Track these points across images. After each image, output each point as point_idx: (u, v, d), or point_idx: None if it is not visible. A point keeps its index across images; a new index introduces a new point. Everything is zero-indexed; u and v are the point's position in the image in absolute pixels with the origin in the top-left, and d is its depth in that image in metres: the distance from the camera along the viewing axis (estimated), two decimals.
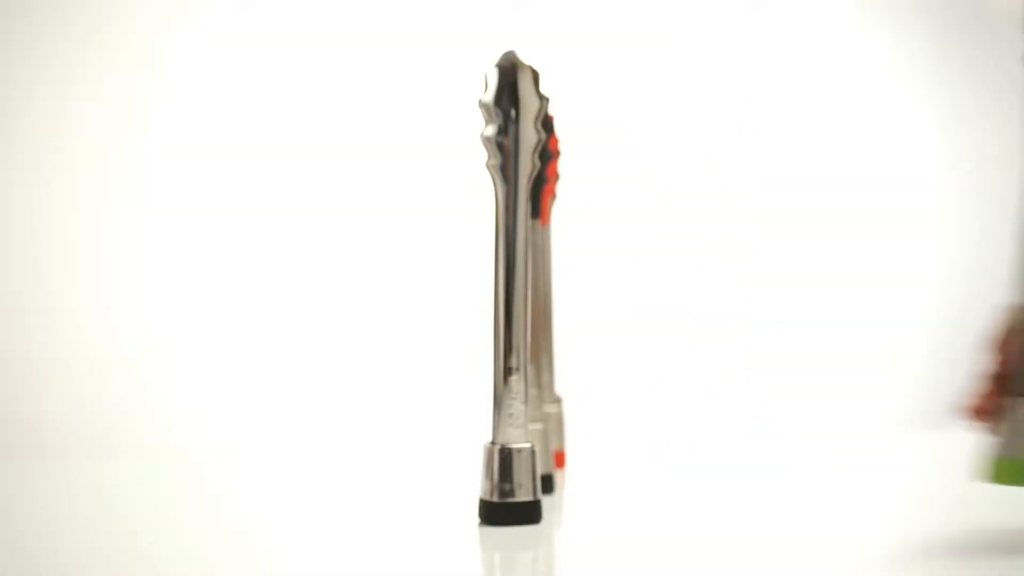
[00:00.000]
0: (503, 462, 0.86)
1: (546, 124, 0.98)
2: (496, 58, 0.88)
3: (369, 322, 2.15)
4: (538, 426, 0.99)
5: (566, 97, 2.03)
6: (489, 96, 0.87)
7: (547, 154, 1.02)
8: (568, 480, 1.11)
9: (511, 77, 0.87)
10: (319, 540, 0.86)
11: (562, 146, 1.27)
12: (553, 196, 1.38)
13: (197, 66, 2.14)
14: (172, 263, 2.13)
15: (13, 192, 2.10)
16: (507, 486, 0.86)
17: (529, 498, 0.86)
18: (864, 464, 1.31)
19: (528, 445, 0.87)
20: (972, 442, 0.85)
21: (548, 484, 1.00)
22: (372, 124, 2.16)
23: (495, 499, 0.86)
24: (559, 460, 1.13)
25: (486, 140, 0.88)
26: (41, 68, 2.10)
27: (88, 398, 2.09)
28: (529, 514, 0.86)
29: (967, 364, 0.90)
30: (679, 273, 2.21)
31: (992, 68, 2.34)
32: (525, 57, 0.88)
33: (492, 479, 0.86)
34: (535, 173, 0.88)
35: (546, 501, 0.91)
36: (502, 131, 0.87)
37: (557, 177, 1.30)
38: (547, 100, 0.92)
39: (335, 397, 2.13)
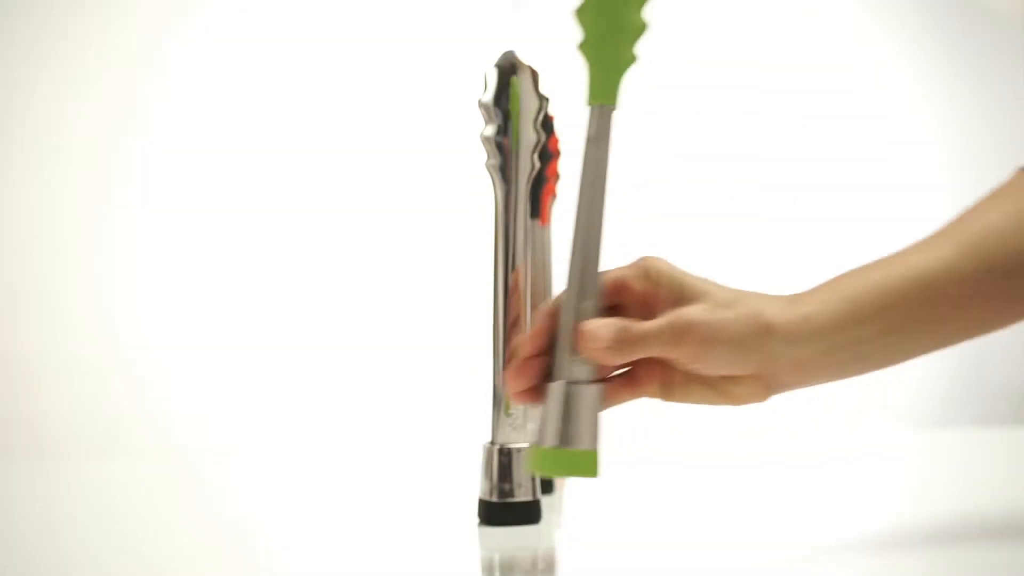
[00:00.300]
0: (502, 462, 0.86)
1: (546, 124, 0.98)
2: (496, 58, 0.88)
3: (369, 322, 2.15)
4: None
5: (566, 97, 2.02)
6: (489, 96, 0.87)
7: (547, 154, 1.02)
8: (568, 480, 1.10)
9: (511, 77, 0.87)
10: (319, 540, 0.86)
11: (562, 146, 1.27)
12: (553, 196, 1.37)
13: (197, 66, 2.14)
14: (171, 263, 2.13)
15: (13, 192, 2.10)
16: (506, 486, 0.86)
17: (528, 498, 0.86)
18: (865, 462, 1.31)
19: (527, 445, 0.87)
20: (970, 442, 0.84)
21: (548, 484, 1.00)
22: (372, 124, 2.16)
23: (494, 499, 0.86)
24: None
25: (486, 140, 0.88)
26: (41, 68, 2.10)
27: (88, 398, 2.09)
28: (529, 514, 0.86)
29: (975, 364, 0.90)
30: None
31: (992, 68, 2.34)
32: (525, 57, 0.88)
33: (491, 479, 0.86)
34: (535, 173, 0.88)
35: (546, 501, 0.90)
36: (502, 131, 0.87)
37: (557, 177, 1.29)
38: (547, 100, 0.92)
39: (334, 397, 2.13)
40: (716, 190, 2.24)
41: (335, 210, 2.15)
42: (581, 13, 0.75)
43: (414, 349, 2.14)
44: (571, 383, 0.73)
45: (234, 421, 2.12)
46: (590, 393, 0.73)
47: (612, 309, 0.77)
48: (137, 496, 1.12)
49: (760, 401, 0.77)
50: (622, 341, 0.73)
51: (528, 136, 0.87)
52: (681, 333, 0.74)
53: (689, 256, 2.28)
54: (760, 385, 0.76)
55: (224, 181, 2.13)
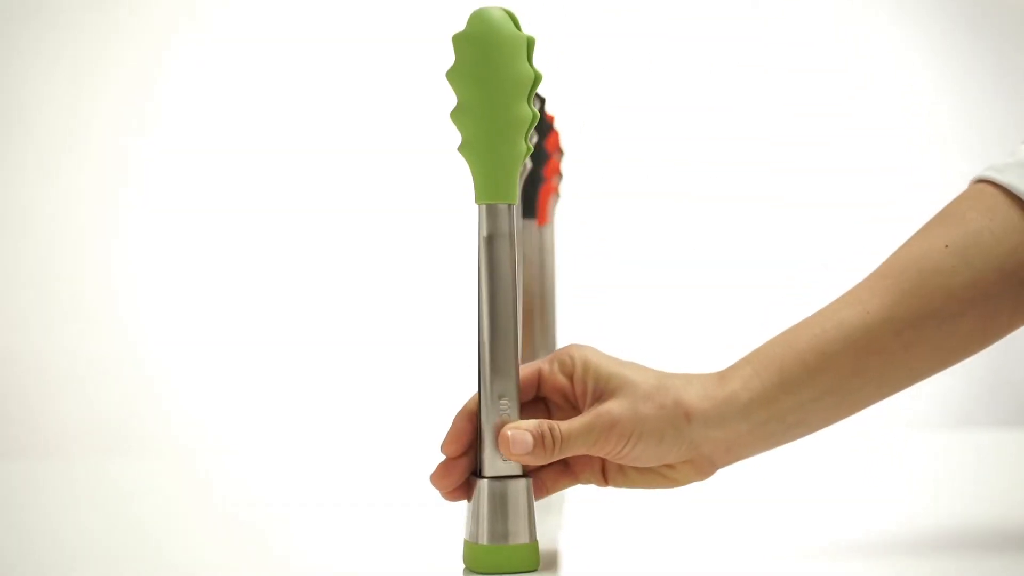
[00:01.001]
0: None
1: (542, 124, 0.98)
2: None
3: (374, 324, 2.16)
4: None
5: (567, 96, 2.02)
6: None
7: (543, 154, 1.02)
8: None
9: None
10: (323, 536, 0.86)
11: (565, 145, 1.27)
12: (556, 196, 1.37)
13: (207, 68, 2.15)
14: (183, 265, 2.13)
15: (26, 196, 2.12)
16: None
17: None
18: (884, 463, 1.30)
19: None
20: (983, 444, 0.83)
21: None
22: (369, 125, 2.16)
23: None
24: None
25: None
26: (53, 72, 2.11)
27: (99, 400, 2.10)
28: None
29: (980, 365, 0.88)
30: (687, 274, 2.21)
31: (1002, 59, 2.33)
32: None
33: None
34: (526, 173, 0.87)
35: (545, 502, 0.90)
36: None
37: (560, 176, 1.29)
38: (543, 100, 0.92)
39: (342, 398, 2.14)
40: (721, 187, 2.23)
41: (347, 210, 2.16)
42: (457, 114, 0.72)
43: (421, 353, 2.14)
44: (498, 479, 0.72)
45: (243, 421, 2.12)
46: (518, 487, 0.72)
47: (537, 400, 0.77)
48: (147, 493, 1.13)
49: (703, 479, 0.76)
50: (543, 447, 0.72)
51: None
52: (602, 433, 0.73)
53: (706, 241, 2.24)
54: (695, 467, 0.75)
55: (235, 182, 2.14)
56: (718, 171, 2.23)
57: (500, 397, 0.73)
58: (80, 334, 2.11)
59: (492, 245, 0.72)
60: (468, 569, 0.73)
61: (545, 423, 0.73)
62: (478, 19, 0.71)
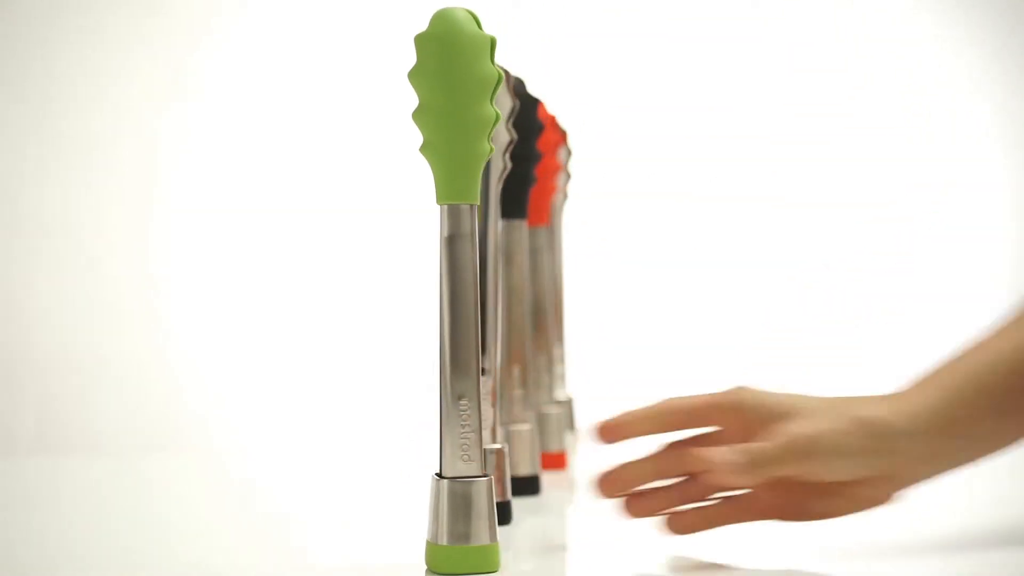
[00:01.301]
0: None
1: (530, 123, 0.98)
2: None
3: (356, 326, 2.17)
4: (525, 427, 0.99)
5: (568, 96, 2.02)
6: None
7: (532, 154, 1.01)
8: (568, 481, 1.10)
9: None
10: (294, 535, 0.87)
11: (572, 146, 1.27)
12: (564, 196, 1.37)
13: (238, 70, 2.17)
14: (215, 268, 2.16)
15: (55, 197, 2.14)
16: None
17: (501, 499, 0.86)
18: None
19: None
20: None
21: (534, 485, 1.00)
22: (366, 124, 2.17)
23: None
24: (558, 461, 1.13)
25: None
26: (80, 72, 2.14)
27: (133, 399, 2.12)
28: (503, 515, 0.86)
29: None
30: (687, 274, 2.21)
31: (1006, 62, 2.32)
32: (508, 57, 0.87)
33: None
34: (506, 173, 0.87)
35: (543, 505, 0.91)
36: None
37: (567, 175, 1.29)
38: (529, 100, 0.92)
39: (334, 401, 2.15)
40: (734, 187, 2.23)
41: (339, 211, 2.17)
42: (419, 114, 0.72)
43: (392, 351, 2.16)
44: (458, 479, 0.73)
45: (263, 422, 2.14)
46: (479, 488, 0.73)
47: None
48: (169, 490, 1.16)
49: (885, 502, 0.78)
50: (753, 464, 0.75)
51: (499, 137, 0.87)
52: (804, 450, 0.75)
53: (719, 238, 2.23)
54: (884, 483, 0.77)
55: (265, 184, 2.17)
56: (719, 171, 2.22)
57: (460, 398, 0.73)
58: (113, 334, 2.13)
59: (453, 246, 0.73)
60: (429, 569, 0.73)
61: (749, 444, 0.76)
62: (441, 19, 0.71)
